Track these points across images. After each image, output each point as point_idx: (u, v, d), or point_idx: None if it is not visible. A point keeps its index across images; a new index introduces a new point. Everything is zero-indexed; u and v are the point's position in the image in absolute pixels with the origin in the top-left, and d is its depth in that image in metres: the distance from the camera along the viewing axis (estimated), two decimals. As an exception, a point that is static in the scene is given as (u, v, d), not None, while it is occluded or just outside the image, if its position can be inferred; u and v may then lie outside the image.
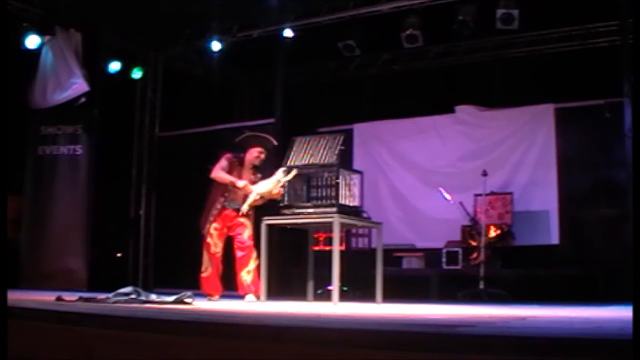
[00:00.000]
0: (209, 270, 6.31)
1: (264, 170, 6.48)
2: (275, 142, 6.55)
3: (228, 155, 6.39)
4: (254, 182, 6.31)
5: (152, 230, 10.12)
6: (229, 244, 6.43)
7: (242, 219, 6.31)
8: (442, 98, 9.74)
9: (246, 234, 6.30)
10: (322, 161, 5.87)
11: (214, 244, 6.29)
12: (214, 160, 6.41)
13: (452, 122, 9.78)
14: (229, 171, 6.31)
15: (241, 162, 6.42)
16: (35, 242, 8.76)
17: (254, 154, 6.42)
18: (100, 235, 9.14)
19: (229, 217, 6.33)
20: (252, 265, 6.24)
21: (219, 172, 6.30)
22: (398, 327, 3.11)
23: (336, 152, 5.85)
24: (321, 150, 5.94)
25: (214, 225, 6.29)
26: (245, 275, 6.23)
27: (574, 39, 9.08)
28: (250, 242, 6.30)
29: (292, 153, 6.05)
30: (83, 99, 8.83)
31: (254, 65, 10.64)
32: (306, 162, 5.97)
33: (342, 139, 5.96)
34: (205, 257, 6.32)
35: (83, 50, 8.89)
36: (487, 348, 2.19)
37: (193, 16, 9.12)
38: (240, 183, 6.19)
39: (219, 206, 6.32)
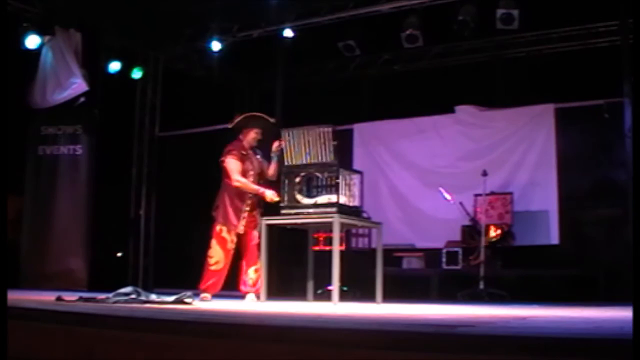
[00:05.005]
0: (220, 264, 6.20)
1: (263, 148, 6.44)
2: (272, 120, 6.41)
3: (232, 152, 6.22)
4: (260, 165, 6.31)
5: (152, 230, 10.12)
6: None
7: (254, 215, 6.30)
8: (442, 98, 9.73)
9: (256, 231, 6.29)
10: (321, 159, 5.86)
11: (231, 240, 6.22)
12: (218, 158, 6.32)
13: (452, 122, 9.78)
14: (243, 167, 6.21)
15: (244, 148, 6.30)
16: (36, 242, 8.76)
17: (251, 135, 6.31)
18: (100, 235, 9.14)
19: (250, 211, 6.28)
20: (259, 263, 6.23)
21: (241, 179, 6.14)
22: (398, 327, 3.11)
23: (331, 148, 5.83)
24: (317, 147, 5.91)
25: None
26: (253, 273, 6.21)
27: (574, 39, 9.08)
28: (258, 240, 6.29)
29: (287, 153, 6.03)
30: (82, 99, 8.84)
31: (254, 65, 10.65)
32: (306, 161, 5.96)
33: (330, 132, 5.91)
34: (220, 252, 6.19)
35: (83, 50, 8.89)
36: (487, 348, 2.19)
37: (193, 16, 9.12)
38: (269, 193, 6.09)
39: (249, 202, 6.24)
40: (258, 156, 6.40)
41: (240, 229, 6.21)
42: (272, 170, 6.35)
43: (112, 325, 2.96)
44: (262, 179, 6.37)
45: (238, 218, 6.20)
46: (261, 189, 6.15)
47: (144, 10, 8.65)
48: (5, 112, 5.82)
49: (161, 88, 10.37)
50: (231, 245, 6.24)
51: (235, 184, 6.13)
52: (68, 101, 8.78)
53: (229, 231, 6.20)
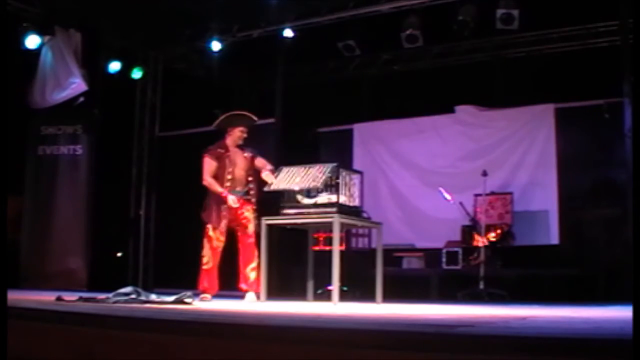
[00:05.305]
0: (210, 263, 6.24)
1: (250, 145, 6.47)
2: (255, 118, 6.47)
3: (209, 151, 6.32)
4: (248, 162, 6.33)
5: (152, 230, 10.12)
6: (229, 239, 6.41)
7: (246, 214, 6.28)
8: (442, 98, 9.74)
9: (250, 229, 6.28)
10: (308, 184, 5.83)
11: (217, 238, 6.23)
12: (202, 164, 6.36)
13: (452, 122, 9.79)
14: (220, 165, 6.27)
15: (225, 148, 6.34)
16: (36, 242, 8.77)
17: (236, 134, 6.36)
18: (100, 235, 9.14)
19: (233, 209, 6.25)
20: (255, 262, 6.23)
21: (209, 179, 6.25)
22: (398, 327, 3.11)
23: (322, 179, 5.80)
24: (311, 175, 5.90)
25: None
26: (250, 272, 6.22)
27: (574, 39, 9.08)
28: (254, 239, 6.28)
29: (277, 179, 6.01)
30: (82, 99, 8.84)
31: (254, 65, 10.64)
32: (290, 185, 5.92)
33: (329, 169, 5.85)
34: (208, 250, 6.24)
35: (83, 50, 8.90)
36: (487, 348, 2.19)
37: (193, 16, 9.12)
38: (230, 199, 6.14)
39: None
40: (246, 153, 6.41)
41: (223, 227, 6.22)
42: (264, 162, 6.34)
43: (112, 325, 2.96)
44: (252, 175, 6.37)
45: (219, 216, 6.23)
46: (224, 192, 6.19)
47: (143, 11, 8.65)
48: (5, 112, 5.82)
49: (161, 88, 10.36)
50: (217, 244, 6.25)
51: (204, 183, 6.27)
52: (67, 101, 8.78)
53: (214, 229, 6.24)
